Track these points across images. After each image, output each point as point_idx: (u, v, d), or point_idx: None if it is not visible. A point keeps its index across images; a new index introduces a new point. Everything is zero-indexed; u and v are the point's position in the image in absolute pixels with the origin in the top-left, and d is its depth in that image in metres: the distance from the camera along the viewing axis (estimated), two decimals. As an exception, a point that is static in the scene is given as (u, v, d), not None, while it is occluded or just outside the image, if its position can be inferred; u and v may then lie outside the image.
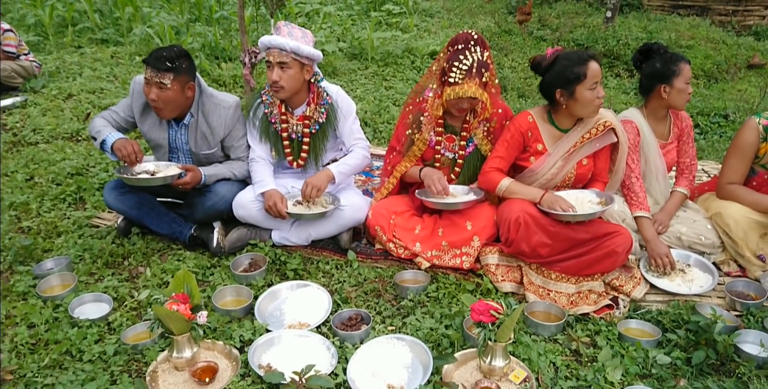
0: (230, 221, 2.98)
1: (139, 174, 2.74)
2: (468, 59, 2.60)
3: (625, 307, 2.61)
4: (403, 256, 2.83)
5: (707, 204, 3.04)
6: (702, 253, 2.90)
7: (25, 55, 5.71)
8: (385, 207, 2.90)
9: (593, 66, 2.53)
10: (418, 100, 2.93)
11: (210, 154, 2.93)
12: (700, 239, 2.91)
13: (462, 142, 2.89)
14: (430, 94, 2.85)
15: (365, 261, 2.88)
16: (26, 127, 4.64)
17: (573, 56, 2.57)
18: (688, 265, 2.85)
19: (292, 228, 2.94)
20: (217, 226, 2.94)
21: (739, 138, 2.87)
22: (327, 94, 2.91)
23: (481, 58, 2.62)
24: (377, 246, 2.97)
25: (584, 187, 2.83)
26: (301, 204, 2.86)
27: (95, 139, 2.73)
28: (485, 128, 2.87)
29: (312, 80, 2.88)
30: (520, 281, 2.71)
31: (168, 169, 2.78)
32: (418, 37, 7.94)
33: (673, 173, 3.28)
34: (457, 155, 2.92)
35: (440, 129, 2.88)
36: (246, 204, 2.85)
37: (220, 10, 8.17)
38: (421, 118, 2.89)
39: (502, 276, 2.68)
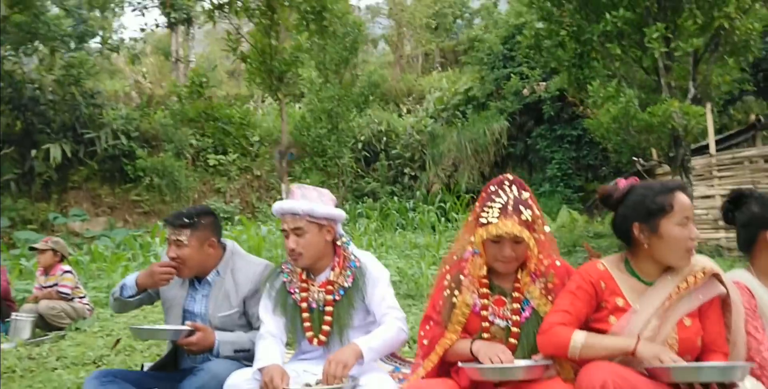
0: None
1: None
2: (502, 197, 2.17)
3: None
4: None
5: None
6: None
7: (80, 298, 5.71)
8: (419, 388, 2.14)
9: (681, 197, 2.04)
10: (455, 258, 2.42)
11: (228, 316, 2.54)
12: None
13: (515, 305, 2.24)
14: (470, 254, 2.36)
15: None
16: (51, 354, 4.29)
17: (654, 185, 2.12)
18: None
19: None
20: None
21: None
22: (355, 257, 2.49)
23: (518, 196, 2.20)
24: None
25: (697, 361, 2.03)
26: (310, 386, 2.17)
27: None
28: (542, 285, 2.24)
29: (338, 243, 2.51)
30: None
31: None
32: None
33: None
34: (510, 322, 2.23)
35: (485, 290, 2.28)
36: (239, 384, 2.18)
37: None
38: (461, 277, 2.34)
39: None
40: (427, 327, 2.34)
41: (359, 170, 14.90)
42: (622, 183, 2.19)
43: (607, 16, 5.33)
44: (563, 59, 5.94)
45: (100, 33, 18.21)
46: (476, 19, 23.95)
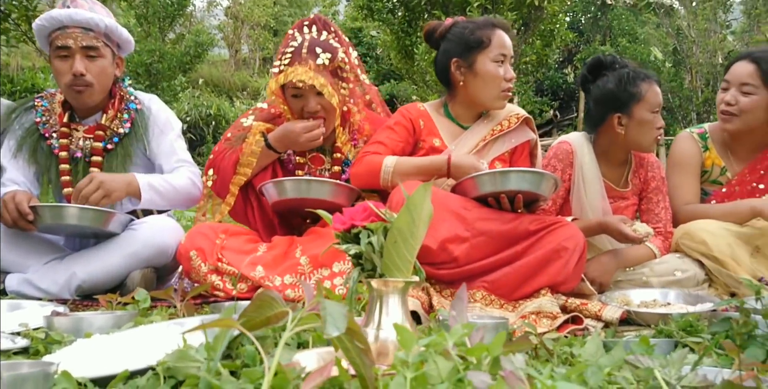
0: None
1: None
2: (297, 40, 1.96)
3: (599, 335, 1.55)
4: (234, 295, 1.67)
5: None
6: (684, 296, 1.98)
7: None
8: (209, 226, 1.86)
9: (501, 34, 1.96)
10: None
11: None
12: (674, 274, 2.03)
13: (335, 167, 2.06)
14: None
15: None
16: None
17: (477, 20, 2.03)
18: (668, 303, 1.89)
19: (45, 266, 1.74)
20: None
21: (677, 152, 2.31)
22: (136, 99, 2.12)
23: (316, 37, 1.97)
24: (187, 286, 1.79)
25: None
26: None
27: None
28: (364, 144, 2.09)
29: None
30: (429, 305, 1.61)
31: None
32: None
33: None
34: None
35: None
36: None
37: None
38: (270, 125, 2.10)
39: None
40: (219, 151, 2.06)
41: (183, 154, 13.94)
42: (450, 19, 2.12)
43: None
44: (393, 23, 6.07)
45: None
46: (315, 25, 24.13)
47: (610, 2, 13.48)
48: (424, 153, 1.97)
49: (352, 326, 0.68)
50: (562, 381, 0.75)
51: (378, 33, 11.96)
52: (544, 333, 1.47)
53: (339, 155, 2.06)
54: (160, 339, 0.89)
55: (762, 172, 2.19)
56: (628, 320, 1.71)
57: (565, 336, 1.45)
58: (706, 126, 2.35)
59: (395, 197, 1.67)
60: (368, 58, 17.36)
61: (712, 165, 2.27)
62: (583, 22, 15.08)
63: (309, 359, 0.87)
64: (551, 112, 10.21)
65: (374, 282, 0.99)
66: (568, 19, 14.58)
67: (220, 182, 1.96)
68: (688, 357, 0.98)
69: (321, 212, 1.06)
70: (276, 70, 1.92)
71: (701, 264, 2.03)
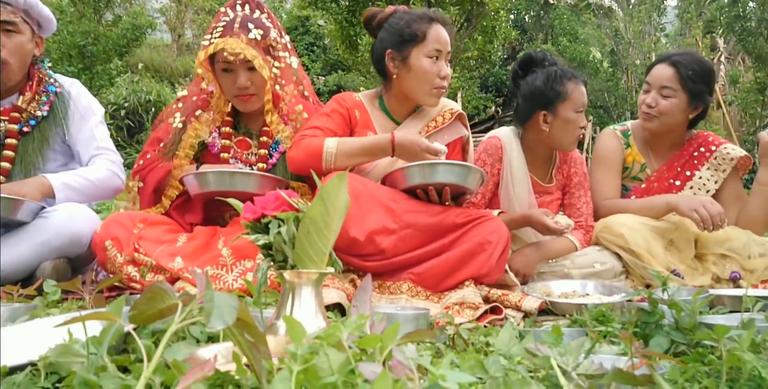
0: None
1: None
2: (229, 16, 1.93)
3: (518, 324, 1.59)
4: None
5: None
6: (602, 287, 2.05)
7: None
8: (128, 214, 1.79)
9: (439, 29, 1.93)
10: (194, 98, 2.11)
11: None
12: (594, 267, 2.10)
13: (262, 150, 2.02)
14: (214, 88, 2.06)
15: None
16: None
17: (416, 12, 1.99)
18: (587, 294, 1.96)
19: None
20: None
21: (600, 149, 2.39)
22: (55, 81, 2.02)
23: (249, 14, 1.96)
24: (102, 277, 1.73)
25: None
26: None
27: None
28: (294, 128, 2.04)
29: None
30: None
31: None
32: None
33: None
34: (255, 168, 2.02)
35: (228, 129, 2.03)
36: None
37: None
38: (200, 112, 2.03)
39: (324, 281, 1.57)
40: (147, 160, 2.00)
41: (120, 140, 13.42)
42: (391, 7, 2.10)
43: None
44: (337, 13, 6.01)
45: None
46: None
47: (552, 2, 13.81)
48: None
49: (244, 317, 0.66)
50: (458, 370, 0.76)
51: (325, 22, 11.84)
52: (464, 323, 1.49)
53: (266, 139, 2.02)
54: (50, 333, 0.85)
55: (679, 169, 2.30)
56: (547, 310, 1.76)
57: (485, 326, 1.47)
58: (629, 123, 2.44)
59: (324, 182, 1.65)
60: (315, 48, 17.17)
61: (633, 161, 2.36)
62: (527, 20, 15.41)
63: (211, 354, 0.85)
64: (494, 108, 10.42)
65: (287, 274, 0.97)
66: (512, 16, 14.92)
67: (144, 194, 1.91)
68: (586, 345, 1.01)
69: (232, 201, 1.03)
70: (206, 42, 1.88)
71: (619, 257, 2.10)
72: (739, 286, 2.01)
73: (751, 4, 7.87)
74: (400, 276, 1.67)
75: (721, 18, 8.27)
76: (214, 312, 0.60)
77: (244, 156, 2.02)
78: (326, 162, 1.75)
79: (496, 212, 2.07)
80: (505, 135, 2.19)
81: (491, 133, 2.28)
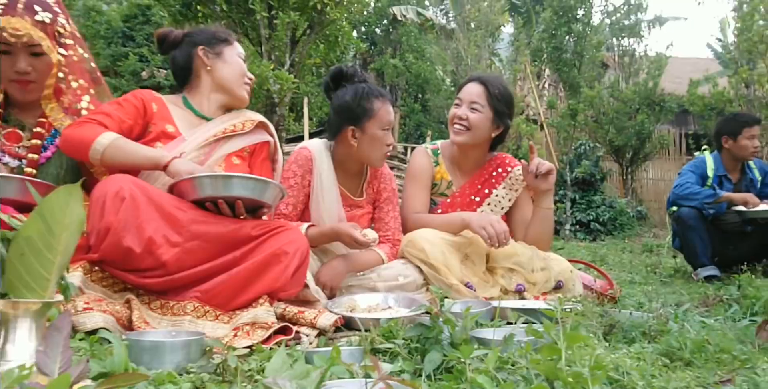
0: None
1: None
2: None
3: (311, 343, 1.57)
4: None
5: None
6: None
7: None
8: None
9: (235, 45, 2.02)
10: None
11: None
12: (398, 279, 2.15)
13: (34, 141, 1.82)
14: None
15: None
16: None
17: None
18: (389, 307, 2.00)
19: None
20: None
21: (412, 165, 2.49)
22: None
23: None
24: None
25: None
26: None
27: None
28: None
29: None
30: (129, 321, 1.47)
31: None
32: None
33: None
34: (25, 162, 1.80)
35: None
36: None
37: None
38: None
39: (87, 304, 1.42)
40: None
41: None
42: (179, 31, 2.06)
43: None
44: (171, 5, 5.68)
45: None
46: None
47: (400, 18, 14.33)
48: (153, 137, 1.85)
49: None
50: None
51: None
52: (248, 346, 1.42)
53: (41, 130, 1.85)
54: None
55: (479, 186, 2.45)
56: (346, 325, 1.75)
57: (271, 348, 1.42)
58: (440, 143, 2.56)
59: (99, 189, 1.52)
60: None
61: (441, 178, 2.47)
62: (378, 33, 15.80)
63: None
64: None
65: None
66: (363, 29, 15.21)
67: None
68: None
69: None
70: None
71: (421, 270, 2.18)
72: (523, 297, 2.18)
73: (566, 37, 8.78)
74: (185, 294, 1.56)
75: (545, 48, 9.13)
76: None
77: (15, 149, 1.81)
78: (93, 156, 1.66)
79: (305, 225, 2.05)
80: (316, 146, 2.18)
81: (302, 143, 2.26)
